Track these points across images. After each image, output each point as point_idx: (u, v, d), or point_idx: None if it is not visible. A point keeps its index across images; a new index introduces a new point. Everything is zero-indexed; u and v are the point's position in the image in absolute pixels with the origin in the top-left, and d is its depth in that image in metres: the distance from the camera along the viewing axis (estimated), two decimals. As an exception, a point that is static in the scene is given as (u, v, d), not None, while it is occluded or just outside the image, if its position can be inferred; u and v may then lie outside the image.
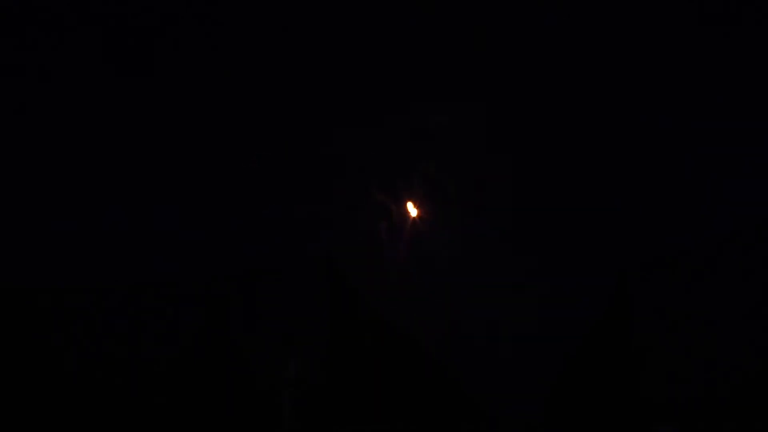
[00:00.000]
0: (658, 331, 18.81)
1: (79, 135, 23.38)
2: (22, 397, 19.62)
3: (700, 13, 21.32)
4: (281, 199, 22.36)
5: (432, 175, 21.83)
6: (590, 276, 20.68)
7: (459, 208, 21.67)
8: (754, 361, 16.56)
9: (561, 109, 21.93)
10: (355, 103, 21.87)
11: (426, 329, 21.24)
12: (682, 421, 16.51)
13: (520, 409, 20.38)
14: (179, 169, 22.99)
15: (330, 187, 22.08)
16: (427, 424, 20.07)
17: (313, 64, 22.72)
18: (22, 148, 22.67)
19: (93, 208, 22.97)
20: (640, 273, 19.51)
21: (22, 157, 22.47)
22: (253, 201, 22.63)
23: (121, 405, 20.21)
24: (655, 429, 16.31)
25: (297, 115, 22.68)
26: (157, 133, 23.47)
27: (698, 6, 21.12)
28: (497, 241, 21.52)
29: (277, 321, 20.04)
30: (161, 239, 22.47)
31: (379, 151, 21.78)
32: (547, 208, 21.54)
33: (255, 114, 23.12)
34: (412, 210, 21.06)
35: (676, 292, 18.44)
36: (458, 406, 20.70)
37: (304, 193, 22.28)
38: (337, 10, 23.05)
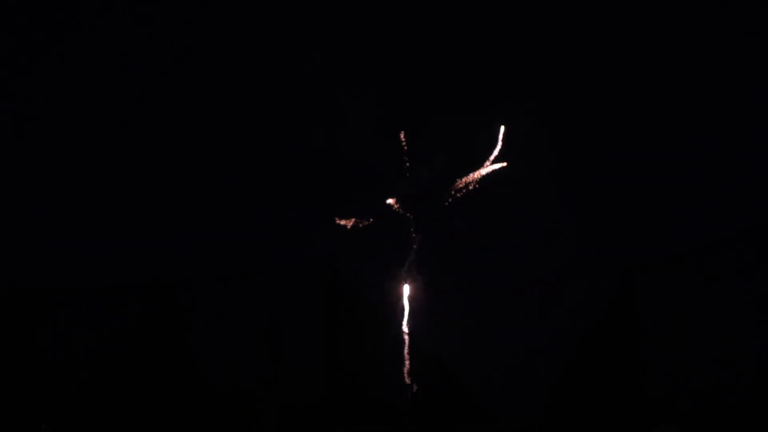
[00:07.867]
0: (659, 331, 18.82)
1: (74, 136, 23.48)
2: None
3: (706, 18, 21.40)
4: (280, 200, 22.38)
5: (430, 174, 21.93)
6: (591, 275, 20.69)
7: (458, 207, 21.71)
8: (754, 361, 16.57)
9: (563, 108, 21.94)
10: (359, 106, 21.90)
11: (425, 330, 21.26)
12: (682, 421, 16.51)
13: (520, 409, 20.37)
14: (179, 171, 23.00)
15: (330, 190, 22.11)
16: (427, 424, 20.07)
17: (312, 65, 22.74)
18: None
19: (90, 210, 23.00)
20: (641, 273, 19.52)
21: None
22: (252, 202, 22.66)
23: (116, 405, 20.20)
24: (655, 429, 16.31)
25: (297, 116, 22.71)
26: (155, 134, 23.51)
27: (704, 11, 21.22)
28: (498, 239, 21.52)
29: (272, 320, 20.02)
30: (159, 240, 22.48)
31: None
32: (550, 207, 21.51)
33: (253, 115, 23.14)
34: None
35: (678, 292, 18.46)
36: (458, 406, 20.71)
37: (302, 195, 22.30)
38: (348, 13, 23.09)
